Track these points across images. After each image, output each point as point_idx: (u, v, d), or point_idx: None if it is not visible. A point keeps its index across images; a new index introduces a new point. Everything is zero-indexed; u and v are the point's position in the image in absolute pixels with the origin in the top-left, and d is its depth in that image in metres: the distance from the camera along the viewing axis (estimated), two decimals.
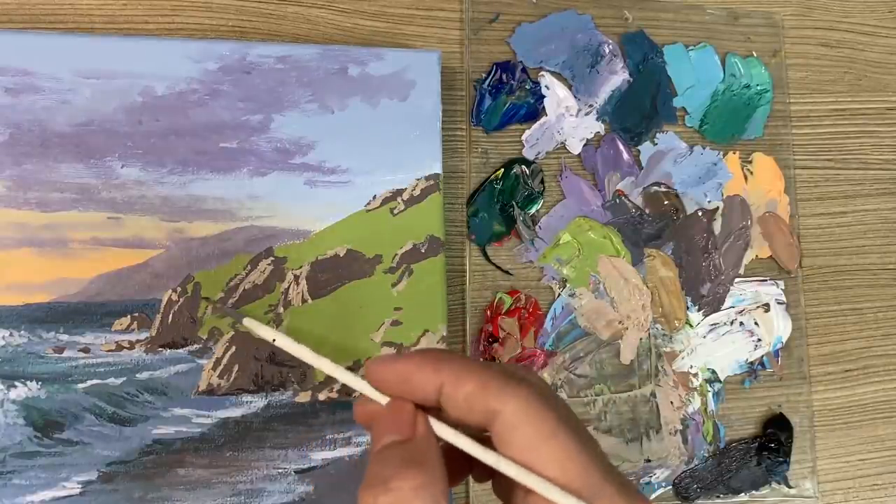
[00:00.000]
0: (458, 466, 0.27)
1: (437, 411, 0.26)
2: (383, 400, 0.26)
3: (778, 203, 0.56)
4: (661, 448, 0.50)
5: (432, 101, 0.47)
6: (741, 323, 0.53)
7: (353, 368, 0.44)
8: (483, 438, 0.25)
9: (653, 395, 0.51)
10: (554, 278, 0.51)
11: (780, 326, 0.54)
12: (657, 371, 0.51)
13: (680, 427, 0.51)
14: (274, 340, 0.29)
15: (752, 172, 0.55)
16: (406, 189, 0.46)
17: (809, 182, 0.57)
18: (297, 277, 0.44)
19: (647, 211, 0.53)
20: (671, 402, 0.51)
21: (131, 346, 0.42)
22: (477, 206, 0.50)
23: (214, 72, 0.44)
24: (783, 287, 0.55)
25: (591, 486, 0.24)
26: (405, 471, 0.23)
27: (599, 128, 0.53)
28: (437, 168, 0.47)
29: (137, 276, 0.43)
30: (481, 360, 0.48)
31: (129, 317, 0.42)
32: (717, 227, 0.54)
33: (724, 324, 0.53)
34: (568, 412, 0.25)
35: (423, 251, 0.46)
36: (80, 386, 0.41)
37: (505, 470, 0.24)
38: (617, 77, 0.53)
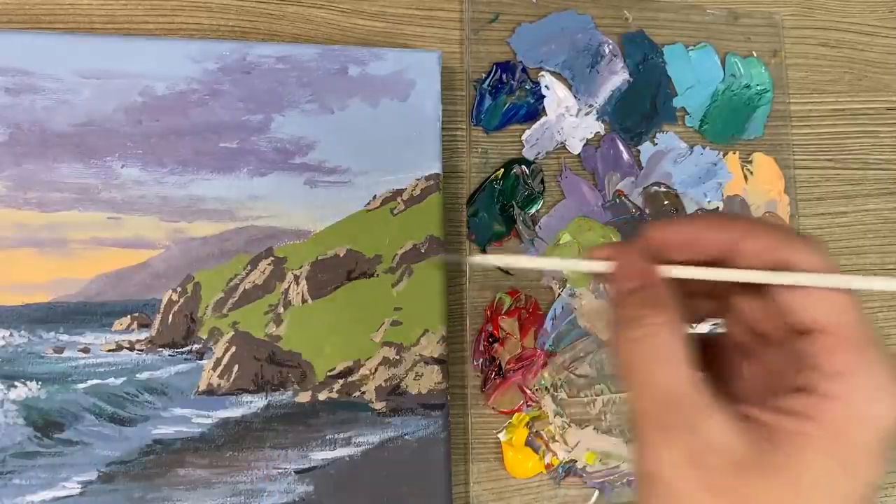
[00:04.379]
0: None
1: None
2: (610, 266, 0.29)
3: (778, 203, 0.56)
4: None
5: (432, 101, 0.47)
6: None
7: (354, 368, 0.44)
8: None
9: None
10: (554, 278, 0.51)
11: None
12: None
13: None
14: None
15: (752, 172, 0.55)
16: (406, 189, 0.46)
17: (809, 182, 0.57)
18: (297, 277, 0.44)
19: (647, 211, 0.53)
20: None
21: (131, 346, 0.42)
22: (477, 206, 0.50)
23: (214, 72, 0.44)
24: None
25: (858, 336, 0.25)
26: (650, 310, 0.26)
27: (599, 128, 0.53)
28: (437, 168, 0.47)
29: (137, 276, 0.43)
30: (481, 358, 0.48)
31: (129, 317, 0.42)
32: None
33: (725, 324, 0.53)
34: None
35: (423, 251, 0.46)
36: (80, 386, 0.41)
37: (790, 279, 0.27)
38: (617, 77, 0.53)
